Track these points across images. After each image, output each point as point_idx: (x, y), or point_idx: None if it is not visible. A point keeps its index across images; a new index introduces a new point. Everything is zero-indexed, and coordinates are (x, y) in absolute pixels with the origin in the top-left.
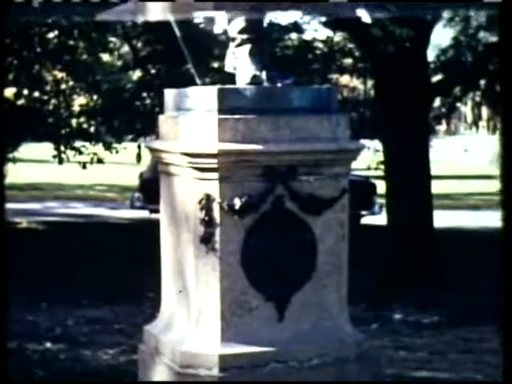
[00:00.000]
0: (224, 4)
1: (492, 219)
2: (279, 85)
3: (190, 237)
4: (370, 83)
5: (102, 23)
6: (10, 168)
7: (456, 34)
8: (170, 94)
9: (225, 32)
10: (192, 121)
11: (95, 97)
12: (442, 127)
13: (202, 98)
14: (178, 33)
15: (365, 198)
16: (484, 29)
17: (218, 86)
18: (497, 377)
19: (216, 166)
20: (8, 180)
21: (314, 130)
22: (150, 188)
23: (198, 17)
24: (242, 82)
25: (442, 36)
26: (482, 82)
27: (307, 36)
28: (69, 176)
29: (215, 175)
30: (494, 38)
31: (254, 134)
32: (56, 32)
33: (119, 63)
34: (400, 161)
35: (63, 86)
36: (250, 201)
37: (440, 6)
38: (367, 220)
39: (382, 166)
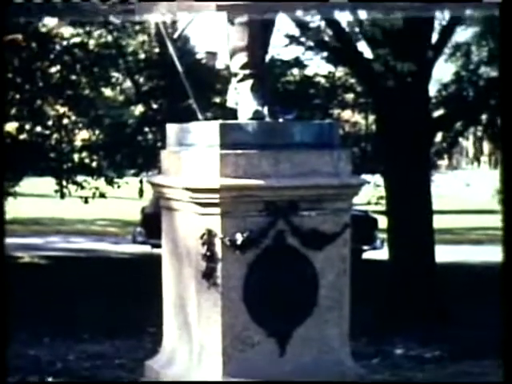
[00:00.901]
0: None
1: (494, 254)
2: (281, 120)
3: (192, 272)
4: (371, 118)
5: (105, 58)
6: (11, 202)
7: (457, 69)
8: (171, 129)
9: (227, 67)
10: (194, 156)
11: (97, 131)
12: (444, 162)
13: (204, 133)
14: (179, 68)
15: (366, 233)
16: (485, 64)
17: (220, 121)
18: None
19: (218, 200)
20: (9, 214)
21: (316, 164)
22: (151, 223)
23: (200, 52)
24: (244, 117)
25: (443, 71)
26: (484, 117)
27: (309, 71)
28: (70, 210)
29: (217, 210)
30: (494, 73)
31: (256, 169)
32: (58, 67)
33: (121, 98)
34: (401, 195)
35: (65, 121)
36: (251, 236)
37: (440, 5)
38: (369, 255)
39: (384, 201)
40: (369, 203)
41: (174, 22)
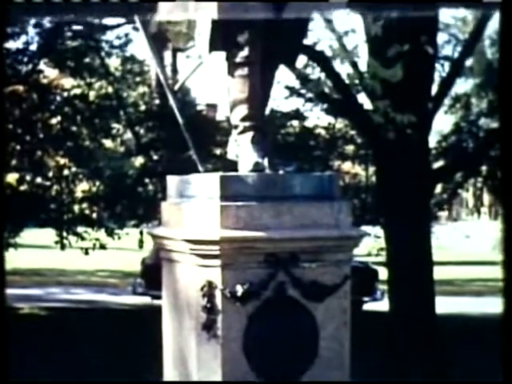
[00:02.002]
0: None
1: (495, 305)
2: (281, 172)
3: (192, 323)
4: (371, 169)
5: (105, 109)
6: (12, 253)
7: (457, 120)
8: (172, 181)
9: (227, 119)
10: (194, 207)
11: (98, 183)
12: (444, 213)
13: (205, 184)
14: (180, 119)
15: (367, 285)
16: (485, 115)
17: (221, 173)
18: None
19: (218, 252)
20: (10, 265)
21: (316, 216)
22: (152, 274)
23: (200, 104)
24: (245, 169)
25: (443, 122)
26: (484, 168)
27: (309, 123)
28: (71, 262)
29: (217, 262)
30: (494, 124)
31: (256, 221)
32: (59, 118)
33: (122, 149)
34: (401, 247)
35: (66, 172)
36: (251, 288)
37: (440, 5)
38: (369, 306)
39: (384, 252)
40: (369, 254)
41: (174, 73)
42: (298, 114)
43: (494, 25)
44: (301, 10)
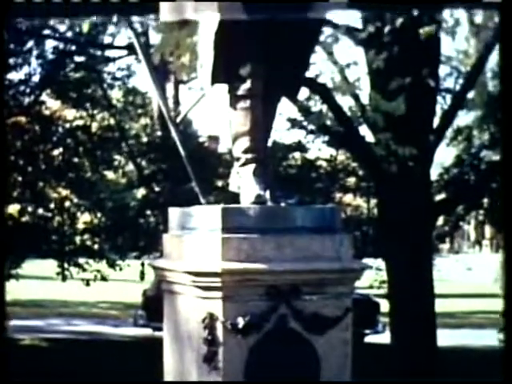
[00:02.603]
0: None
1: (496, 338)
2: (283, 204)
3: (193, 355)
4: (373, 202)
5: (107, 141)
6: (13, 284)
7: (459, 153)
8: (174, 213)
9: (229, 151)
10: (196, 240)
11: (99, 214)
12: (446, 245)
13: (206, 217)
14: (182, 151)
15: (368, 317)
16: (486, 147)
17: (222, 206)
18: None
19: (219, 284)
20: (11, 296)
21: (318, 249)
22: (153, 306)
23: (202, 136)
24: (246, 201)
25: (445, 155)
26: (485, 201)
27: (311, 155)
28: (72, 293)
29: (219, 294)
30: (496, 157)
31: (258, 253)
32: (61, 149)
33: (123, 181)
34: (403, 279)
35: (67, 204)
36: (253, 320)
37: (440, 6)
38: (371, 339)
39: (386, 285)
40: (371, 287)
41: (177, 105)
42: (299, 146)
43: (495, 57)
44: (301, 9)
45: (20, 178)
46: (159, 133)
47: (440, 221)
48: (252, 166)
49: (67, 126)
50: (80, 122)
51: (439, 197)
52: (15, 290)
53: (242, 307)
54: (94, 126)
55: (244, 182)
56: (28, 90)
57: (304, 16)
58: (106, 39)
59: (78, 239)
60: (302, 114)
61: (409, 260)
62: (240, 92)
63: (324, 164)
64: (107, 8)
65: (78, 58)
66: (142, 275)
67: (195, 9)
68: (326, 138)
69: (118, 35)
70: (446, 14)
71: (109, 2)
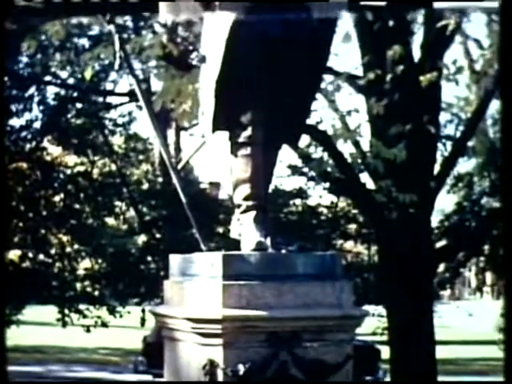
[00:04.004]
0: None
1: None
2: (284, 251)
3: None
4: (374, 248)
5: (108, 187)
6: (13, 330)
7: (460, 200)
8: (174, 260)
9: (230, 198)
10: (197, 286)
11: (100, 260)
12: (446, 292)
13: (207, 263)
14: (183, 198)
15: (369, 364)
16: (487, 194)
17: (223, 252)
18: None
19: (220, 331)
20: (11, 342)
21: (319, 296)
22: (153, 352)
23: (203, 182)
24: (247, 248)
25: (445, 201)
26: (486, 248)
27: (312, 201)
28: (72, 339)
29: (219, 341)
30: (496, 204)
31: (258, 300)
32: (62, 195)
33: (124, 227)
34: (404, 326)
35: (68, 250)
36: (253, 367)
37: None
38: None
39: (387, 332)
40: (372, 334)
41: (178, 151)
42: (300, 193)
43: (495, 104)
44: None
45: (21, 224)
46: (160, 179)
47: (441, 267)
48: (253, 213)
49: (68, 172)
50: (81, 168)
51: (440, 243)
52: (16, 336)
53: (242, 354)
54: (95, 172)
55: (245, 229)
56: (29, 136)
57: (304, 16)
58: (108, 86)
59: (78, 285)
60: (302, 161)
61: (410, 307)
62: (241, 139)
63: (325, 211)
64: (107, 8)
65: (80, 105)
66: (143, 321)
67: (194, 9)
68: (327, 185)
69: (120, 82)
70: (448, 60)
71: (108, 2)
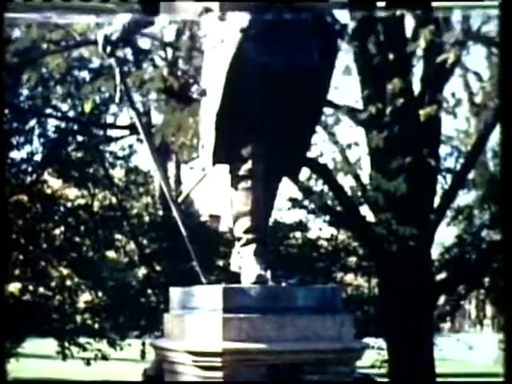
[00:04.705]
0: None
1: None
2: (284, 284)
3: None
4: (374, 281)
5: (109, 220)
6: (13, 364)
7: (460, 232)
8: (175, 293)
9: (230, 230)
10: (197, 319)
11: (100, 293)
12: (447, 325)
13: (207, 297)
14: (183, 231)
15: None
16: (487, 227)
17: (223, 285)
18: None
19: (220, 364)
20: (11, 375)
21: (319, 329)
22: None
23: (204, 215)
24: (247, 281)
25: (445, 234)
26: (486, 280)
27: (312, 234)
28: (72, 372)
29: (219, 374)
30: (497, 236)
31: (259, 333)
32: (62, 228)
33: (125, 260)
34: (404, 359)
35: (68, 283)
36: None
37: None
38: None
39: (387, 365)
40: (372, 366)
41: (178, 184)
42: (300, 226)
43: (495, 137)
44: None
45: (21, 257)
46: (161, 212)
47: (441, 300)
48: (253, 246)
49: (69, 204)
50: (82, 201)
51: (440, 276)
52: (16, 369)
53: None
54: (96, 205)
55: (245, 262)
56: (30, 169)
57: (304, 16)
58: (108, 119)
59: (78, 318)
60: (303, 194)
61: (410, 339)
62: (241, 172)
63: (325, 243)
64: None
65: (80, 137)
66: (143, 354)
67: (195, 10)
68: (327, 218)
69: (120, 115)
70: (447, 92)
71: (109, 2)
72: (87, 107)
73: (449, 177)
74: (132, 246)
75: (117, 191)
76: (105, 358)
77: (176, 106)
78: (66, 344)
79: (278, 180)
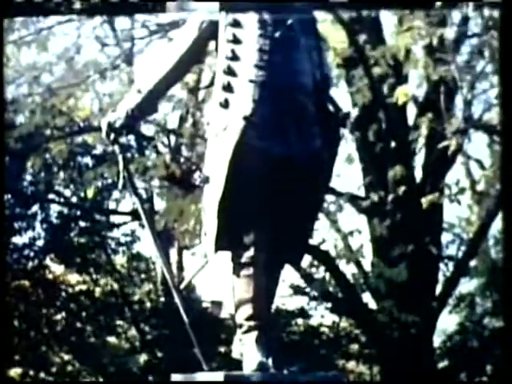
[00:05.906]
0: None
1: None
2: (285, 371)
3: None
4: (376, 369)
5: (110, 306)
6: None
7: (462, 320)
8: (176, 379)
9: (232, 317)
10: None
11: (101, 379)
12: None
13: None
14: (185, 317)
15: None
16: (489, 315)
17: (225, 373)
18: None
19: None
20: None
21: None
22: None
23: (205, 301)
24: (249, 368)
25: (447, 322)
26: (488, 368)
27: (313, 321)
28: None
29: None
30: (499, 324)
31: None
32: (63, 314)
33: (126, 346)
34: None
35: (69, 368)
36: None
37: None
38: None
39: None
40: None
41: (180, 271)
42: (302, 313)
43: (497, 225)
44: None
45: (22, 342)
46: (162, 298)
47: None
48: (255, 334)
49: (70, 290)
50: (83, 287)
51: (442, 364)
52: None
53: None
54: (98, 291)
55: (246, 349)
56: (32, 254)
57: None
58: (111, 204)
59: None
60: (304, 281)
61: None
62: (243, 260)
63: (327, 330)
64: (108, 9)
65: (83, 223)
66: None
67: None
68: (329, 305)
69: (123, 201)
70: (450, 179)
71: (110, 2)
72: (90, 193)
73: (451, 264)
74: (133, 332)
75: (119, 277)
76: None
77: (178, 193)
78: None
79: (280, 267)
